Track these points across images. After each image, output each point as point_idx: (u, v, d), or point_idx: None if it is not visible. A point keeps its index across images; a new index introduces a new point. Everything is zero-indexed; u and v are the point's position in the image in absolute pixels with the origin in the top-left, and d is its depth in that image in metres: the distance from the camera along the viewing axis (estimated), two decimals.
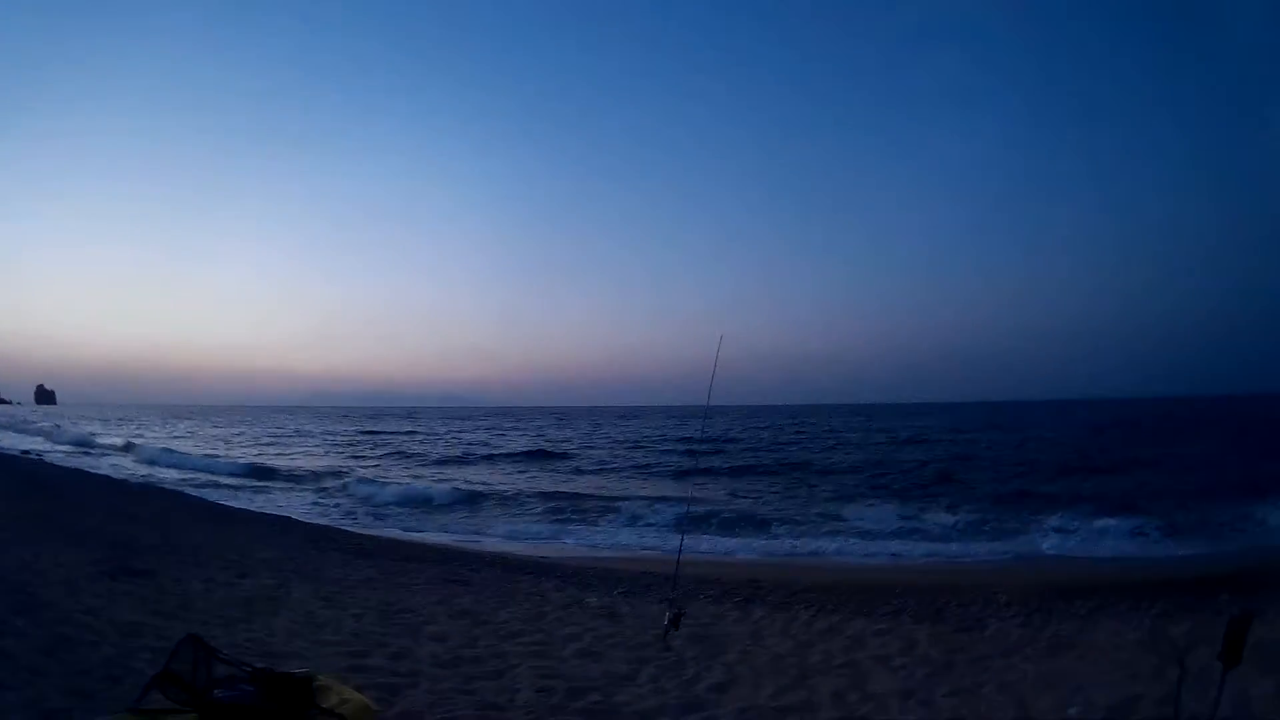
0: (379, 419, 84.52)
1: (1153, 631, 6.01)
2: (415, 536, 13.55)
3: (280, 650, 4.77)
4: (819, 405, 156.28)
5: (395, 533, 13.96)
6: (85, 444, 35.81)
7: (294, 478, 24.23)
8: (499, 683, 4.56)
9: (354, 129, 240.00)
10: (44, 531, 8.70)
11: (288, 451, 36.93)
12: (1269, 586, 7.97)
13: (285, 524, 13.31)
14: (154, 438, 42.86)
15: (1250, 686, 4.02)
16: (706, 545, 12.48)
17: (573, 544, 13.49)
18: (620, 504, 17.46)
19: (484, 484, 22.56)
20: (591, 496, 19.40)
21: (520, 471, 27.45)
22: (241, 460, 28.81)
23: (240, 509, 15.12)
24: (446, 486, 21.40)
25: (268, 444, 42.17)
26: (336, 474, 24.66)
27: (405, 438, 47.78)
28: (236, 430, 58.17)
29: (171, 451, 31.41)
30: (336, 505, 18.19)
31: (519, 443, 41.97)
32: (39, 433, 44.53)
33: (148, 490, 17.55)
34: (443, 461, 31.40)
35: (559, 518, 16.15)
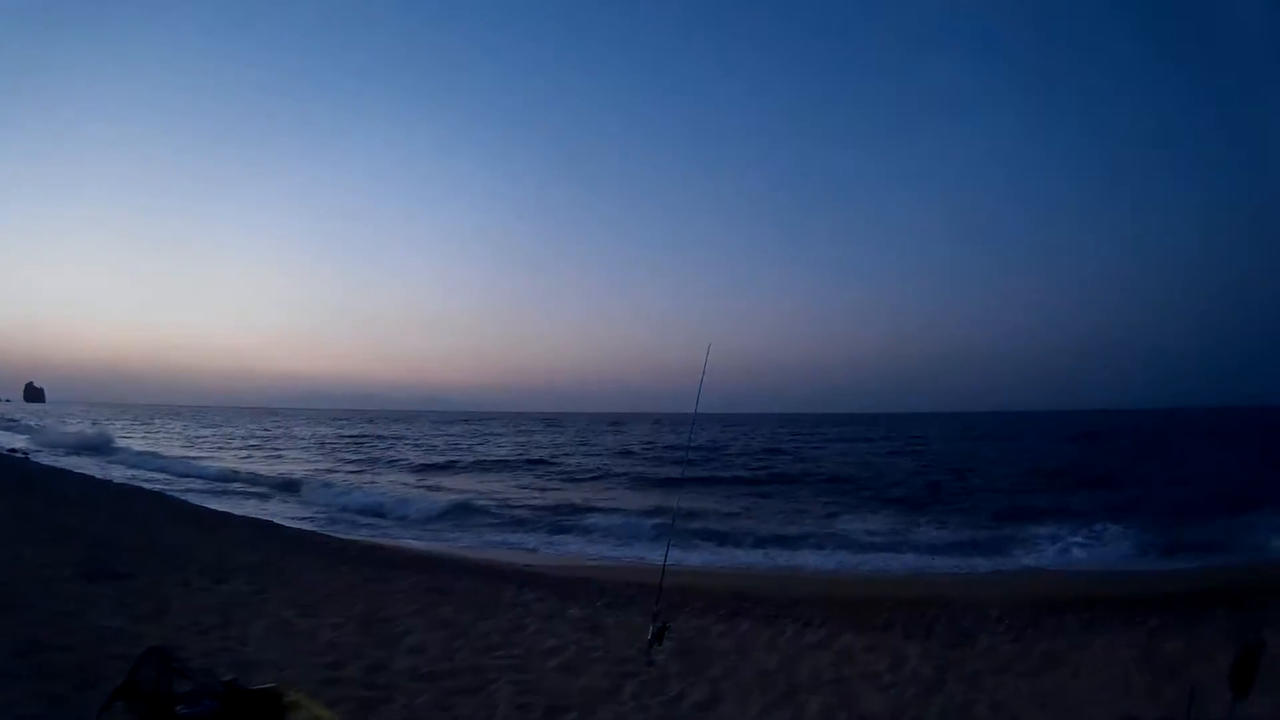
0: (360, 423, 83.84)
1: (1148, 648, 5.91)
2: (397, 543, 13.34)
3: (254, 660, 4.69)
4: (809, 415, 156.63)
5: (377, 539, 13.73)
6: (56, 444, 35.05)
7: (266, 483, 23.65)
8: (476, 698, 4.42)
9: (348, 132, 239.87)
10: (26, 530, 8.68)
11: (270, 454, 36.53)
12: (1265, 601, 7.88)
13: (267, 528, 13.13)
14: (129, 439, 42.27)
15: (1249, 705, 3.91)
16: (693, 556, 12.27)
17: (557, 553, 13.28)
18: (606, 513, 17.29)
19: (469, 491, 22.29)
20: (577, 505, 19.22)
21: (506, 478, 27.18)
22: (214, 464, 28.16)
23: (223, 511, 14.89)
24: (431, 493, 21.09)
25: (254, 446, 41.75)
26: (310, 480, 24.12)
27: (392, 442, 47.44)
28: (224, 430, 57.76)
29: (145, 454, 31.01)
30: (314, 511, 17.84)
31: (506, 449, 41.73)
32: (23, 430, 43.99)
33: (133, 491, 17.31)
34: (428, 468, 31.08)
35: (544, 526, 15.85)
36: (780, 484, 24.85)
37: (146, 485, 19.61)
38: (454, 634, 5.91)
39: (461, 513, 17.83)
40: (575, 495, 22.07)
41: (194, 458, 31.25)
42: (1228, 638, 6.14)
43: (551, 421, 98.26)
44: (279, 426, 69.59)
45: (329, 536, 12.98)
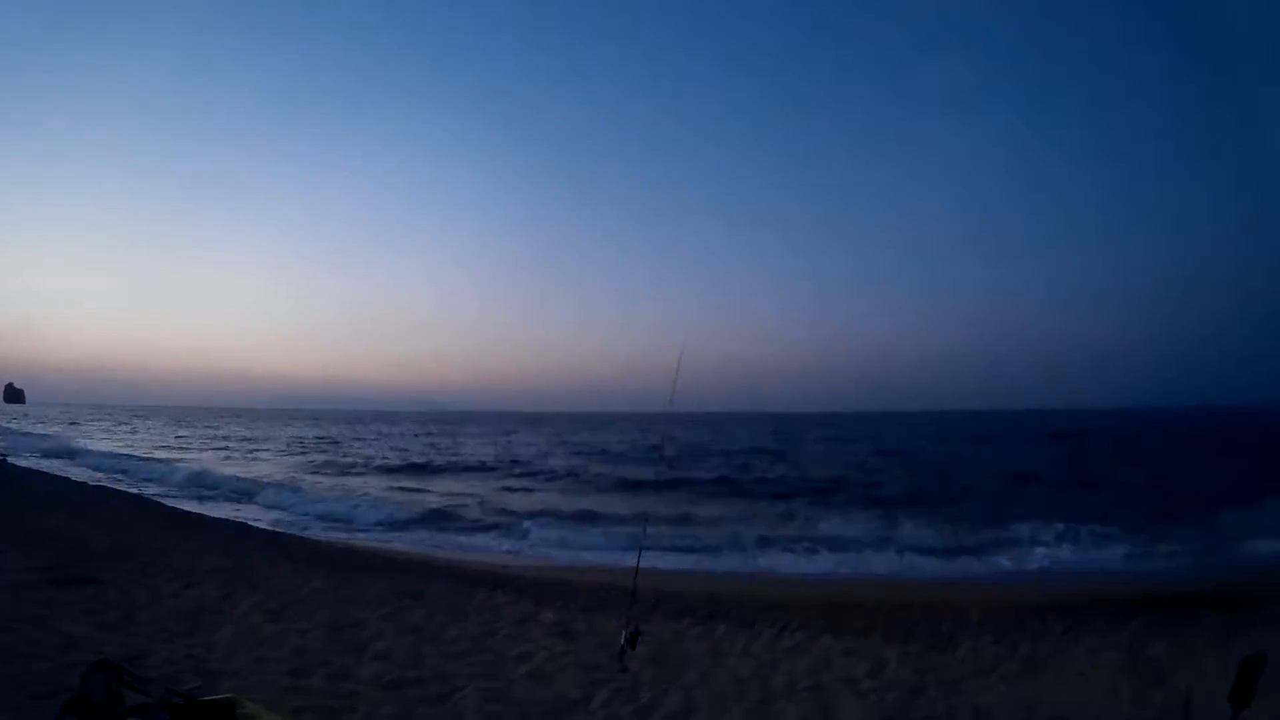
0: (339, 423, 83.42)
1: (1131, 651, 5.85)
2: (370, 546, 13.12)
3: (218, 668, 4.59)
4: (789, 414, 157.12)
5: (350, 541, 13.48)
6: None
7: (241, 486, 23.07)
8: (442, 708, 4.25)
9: (337, 135, 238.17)
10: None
11: (247, 456, 36.06)
12: (1248, 604, 7.86)
13: (240, 531, 12.97)
14: (101, 440, 41.57)
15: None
16: (668, 559, 12.01)
17: (532, 556, 13.09)
18: (581, 515, 17.19)
19: (446, 493, 22.10)
20: (553, 507, 19.09)
21: (483, 480, 26.92)
22: (189, 466, 27.45)
23: (197, 514, 14.65)
24: (407, 494, 20.86)
25: (232, 447, 41.22)
26: (285, 483, 23.64)
27: (371, 443, 47.10)
28: (202, 431, 57.07)
29: (111, 455, 30.49)
30: (288, 515, 17.50)
31: (482, 450, 41.50)
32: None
33: (109, 494, 17.12)
34: (405, 469, 30.78)
35: (519, 528, 15.55)
36: (759, 484, 24.79)
37: (113, 487, 19.26)
38: (423, 639, 5.75)
39: (436, 516, 17.61)
40: (552, 497, 21.97)
41: (171, 460, 30.67)
42: (1212, 641, 6.09)
43: (531, 421, 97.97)
44: (258, 428, 68.81)
45: (302, 539, 12.77)
